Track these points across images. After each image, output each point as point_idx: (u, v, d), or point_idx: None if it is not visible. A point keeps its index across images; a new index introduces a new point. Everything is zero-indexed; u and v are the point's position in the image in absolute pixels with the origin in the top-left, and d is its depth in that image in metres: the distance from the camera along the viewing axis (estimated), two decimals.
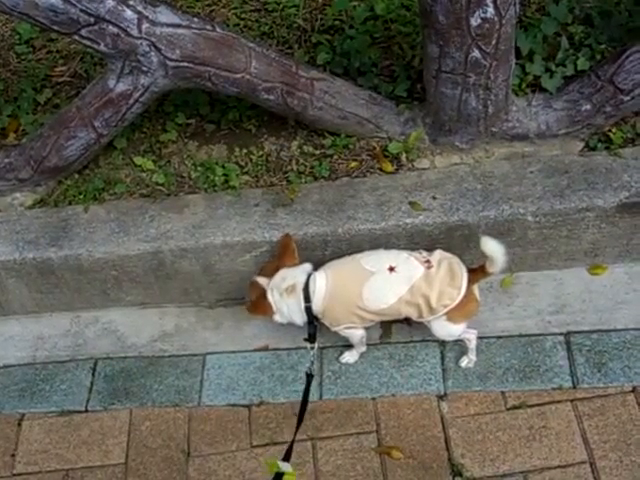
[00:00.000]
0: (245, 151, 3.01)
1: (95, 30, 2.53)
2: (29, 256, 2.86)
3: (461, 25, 2.43)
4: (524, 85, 2.85)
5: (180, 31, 2.57)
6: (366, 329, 2.67)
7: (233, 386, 2.83)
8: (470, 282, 2.45)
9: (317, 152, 2.94)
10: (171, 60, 2.61)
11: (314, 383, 2.71)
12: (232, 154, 3.01)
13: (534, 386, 2.65)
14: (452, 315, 2.47)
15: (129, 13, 2.52)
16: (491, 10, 2.39)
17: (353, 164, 2.89)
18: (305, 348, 2.73)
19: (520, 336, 2.76)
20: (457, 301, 2.42)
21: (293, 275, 2.57)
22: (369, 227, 2.70)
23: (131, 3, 2.51)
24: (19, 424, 2.86)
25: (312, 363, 2.61)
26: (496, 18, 2.41)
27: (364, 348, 2.77)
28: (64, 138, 2.85)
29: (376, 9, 3.18)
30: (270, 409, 2.76)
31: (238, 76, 2.68)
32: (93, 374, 2.95)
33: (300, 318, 2.59)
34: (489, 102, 2.69)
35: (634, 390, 2.60)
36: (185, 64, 2.62)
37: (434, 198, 2.74)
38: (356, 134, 2.93)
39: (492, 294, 2.85)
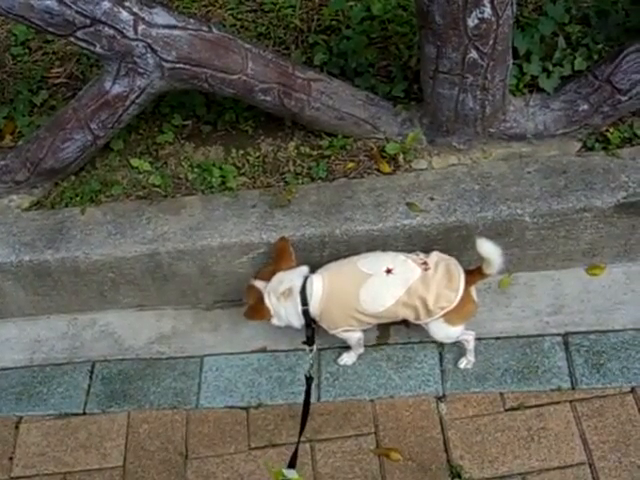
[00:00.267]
0: (242, 152, 3.00)
1: (91, 32, 2.52)
2: (26, 258, 2.85)
3: (458, 25, 2.43)
4: (521, 85, 2.85)
5: (176, 32, 2.57)
6: (363, 331, 2.66)
7: (231, 388, 2.82)
8: (467, 284, 2.44)
9: (314, 153, 2.93)
10: (167, 62, 2.60)
11: (312, 385, 2.70)
12: (229, 155, 3.00)
13: (533, 387, 2.64)
14: (450, 317, 2.47)
15: (125, 15, 2.51)
16: (488, 10, 2.38)
17: (350, 165, 2.88)
18: (303, 349, 2.72)
19: (518, 337, 2.76)
20: (454, 303, 2.42)
21: (290, 278, 2.56)
22: (367, 228, 2.69)
23: (127, 4, 2.51)
24: (16, 427, 2.85)
25: (311, 366, 2.60)
26: (493, 18, 2.40)
27: (362, 350, 2.77)
28: (60, 140, 2.84)
29: (373, 9, 3.17)
30: (268, 411, 2.75)
31: (235, 77, 2.67)
32: (91, 377, 2.94)
33: (298, 321, 2.58)
34: (486, 102, 2.68)
35: (633, 391, 2.59)
36: (181, 65, 2.62)
37: (432, 199, 2.73)
38: (353, 135, 2.92)
39: (490, 295, 2.85)
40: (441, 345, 2.75)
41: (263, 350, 2.90)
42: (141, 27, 2.53)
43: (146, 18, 2.53)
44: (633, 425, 2.52)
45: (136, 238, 2.81)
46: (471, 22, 2.41)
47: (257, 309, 2.58)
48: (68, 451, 2.76)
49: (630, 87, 2.67)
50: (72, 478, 2.70)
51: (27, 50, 3.55)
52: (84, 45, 2.58)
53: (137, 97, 2.70)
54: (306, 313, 2.54)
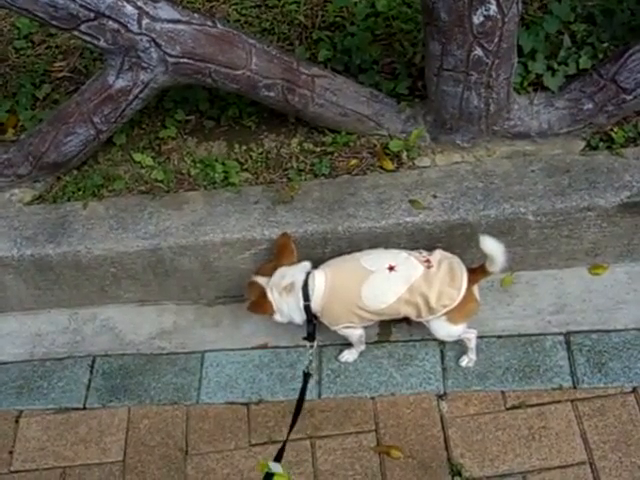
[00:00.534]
0: (245, 148, 2.99)
1: (95, 26, 2.52)
2: (27, 252, 2.85)
3: (463, 23, 2.42)
4: (526, 83, 2.84)
5: (180, 27, 2.56)
6: (365, 328, 2.66)
7: (232, 384, 2.82)
8: (470, 282, 2.44)
9: (317, 149, 2.93)
10: (171, 56, 2.59)
11: (313, 382, 2.72)
12: (232, 151, 3.00)
13: (534, 386, 2.64)
14: (452, 315, 2.46)
15: (129, 8, 2.50)
16: (494, 8, 2.37)
17: (353, 162, 2.88)
18: (304, 346, 2.71)
19: (520, 336, 2.75)
20: (457, 301, 2.41)
21: (292, 273, 2.56)
22: (369, 225, 2.69)
23: None
24: (16, 421, 2.85)
25: (310, 362, 2.60)
26: (499, 16, 2.39)
27: (363, 347, 2.76)
28: (63, 134, 2.84)
29: (377, 6, 3.16)
30: (269, 407, 2.75)
31: (238, 73, 2.67)
32: (91, 371, 2.94)
33: (299, 317, 2.58)
34: (491, 100, 2.67)
35: (634, 390, 2.59)
36: (185, 60, 2.61)
37: (435, 197, 2.72)
38: (357, 131, 2.91)
39: (492, 293, 2.84)
40: (442, 343, 2.75)
41: (264, 346, 2.89)
42: (145, 21, 2.53)
43: (150, 12, 2.53)
44: (634, 425, 2.52)
45: (138, 233, 2.81)
46: (476, 19, 2.40)
47: (260, 303, 2.57)
48: (68, 445, 2.76)
49: (635, 86, 2.66)
50: (72, 472, 2.70)
51: (30, 44, 3.55)
52: (88, 39, 2.57)
53: (140, 92, 2.70)
54: (308, 309, 2.53)
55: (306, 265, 2.60)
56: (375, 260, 2.51)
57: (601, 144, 2.78)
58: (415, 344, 2.79)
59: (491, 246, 2.33)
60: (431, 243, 2.69)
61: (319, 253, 2.75)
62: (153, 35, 2.55)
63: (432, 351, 2.77)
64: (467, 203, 2.68)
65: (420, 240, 2.71)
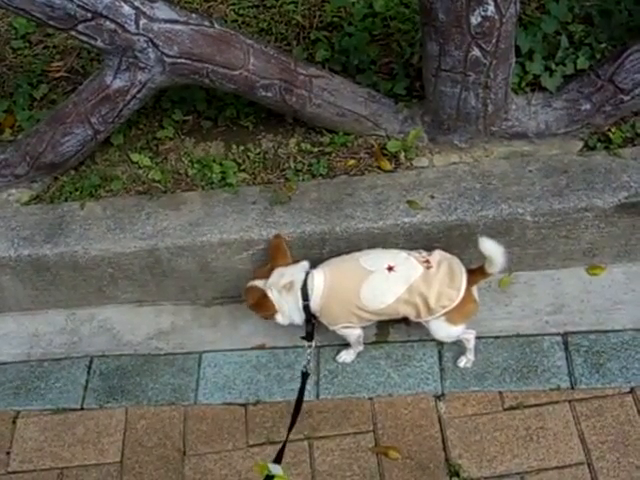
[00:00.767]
0: (242, 148, 2.99)
1: (92, 26, 2.51)
2: (24, 253, 2.84)
3: (461, 23, 2.42)
4: (524, 84, 2.84)
5: (178, 27, 2.56)
6: (363, 328, 2.66)
7: (229, 385, 2.81)
8: (469, 283, 2.44)
9: (315, 150, 2.92)
10: (169, 56, 2.59)
11: (311, 382, 2.71)
12: (229, 151, 2.99)
13: (532, 386, 2.64)
14: (451, 316, 2.46)
15: (127, 9, 2.50)
16: (492, 8, 2.37)
17: (351, 162, 2.87)
18: (302, 347, 2.72)
19: (518, 336, 2.75)
20: (456, 302, 2.41)
21: (291, 272, 2.56)
22: (367, 226, 2.68)
23: None
24: (14, 422, 2.85)
25: (308, 362, 2.60)
26: (497, 16, 2.40)
27: (361, 347, 2.76)
28: (60, 134, 2.83)
29: (375, 6, 3.16)
30: (267, 408, 2.74)
31: (236, 73, 2.66)
32: (88, 372, 2.93)
33: (299, 316, 2.58)
34: (488, 101, 2.67)
35: (632, 391, 2.59)
36: (183, 60, 2.61)
37: (432, 197, 2.72)
38: (354, 132, 2.91)
39: (490, 294, 2.84)
40: (440, 343, 2.74)
41: (262, 347, 2.89)
42: (143, 21, 2.52)
43: (148, 12, 2.53)
44: (632, 425, 2.52)
45: (135, 233, 2.80)
46: (474, 20, 2.41)
47: (261, 303, 2.57)
48: (65, 446, 2.76)
49: (633, 87, 2.66)
50: (69, 473, 2.69)
51: (27, 43, 3.54)
52: (85, 39, 2.57)
53: (138, 92, 2.69)
54: (306, 308, 2.53)
55: (304, 264, 2.61)
56: (374, 260, 2.51)
57: (599, 144, 2.78)
58: (413, 345, 2.79)
59: (490, 248, 2.33)
60: (429, 244, 2.69)
61: (317, 254, 2.75)
62: (150, 35, 2.54)
63: (430, 352, 2.77)
64: (465, 204, 2.68)
65: (418, 241, 2.70)
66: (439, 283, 2.41)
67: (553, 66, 2.82)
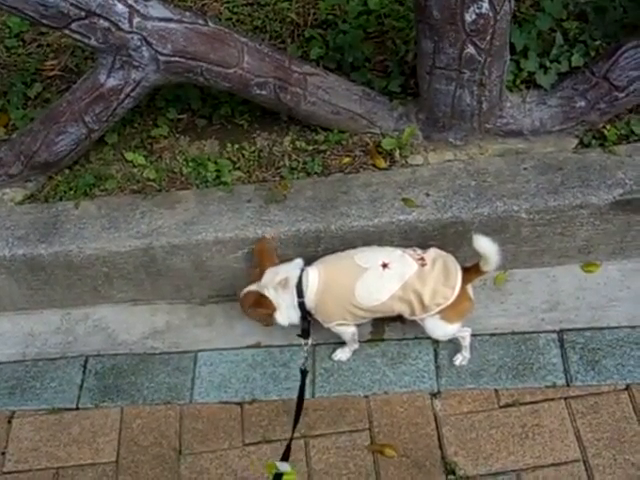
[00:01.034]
0: (237, 146, 2.98)
1: (86, 24, 2.51)
2: (19, 252, 2.83)
3: (456, 21, 2.42)
4: (518, 81, 2.84)
5: (172, 25, 2.55)
6: (357, 326, 2.66)
7: (225, 383, 2.81)
8: (464, 281, 2.44)
9: (310, 148, 2.92)
10: (163, 55, 2.58)
11: (306, 380, 2.69)
12: (224, 149, 2.99)
13: (527, 384, 2.64)
14: (446, 314, 2.46)
15: (120, 7, 2.49)
16: (486, 5, 2.37)
17: (346, 160, 2.87)
18: (298, 345, 2.73)
19: (513, 333, 2.76)
20: (451, 300, 2.41)
21: (285, 270, 2.56)
22: (362, 224, 2.68)
23: None
24: (9, 422, 2.84)
25: (306, 359, 2.59)
26: (491, 14, 2.39)
27: (356, 345, 2.76)
28: (54, 133, 2.82)
29: (369, 3, 3.16)
30: (262, 407, 2.74)
31: (230, 71, 2.66)
32: (84, 371, 2.93)
33: (295, 313, 2.57)
34: (483, 98, 2.67)
35: (627, 388, 2.59)
36: (177, 59, 2.60)
37: (427, 195, 2.72)
38: (349, 130, 2.91)
39: (485, 291, 2.84)
40: (436, 341, 2.74)
41: (257, 345, 2.89)
42: (136, 20, 2.52)
43: (141, 11, 2.52)
44: (628, 422, 2.52)
45: (130, 232, 2.80)
46: (469, 17, 2.40)
47: (260, 302, 2.55)
48: (61, 446, 2.75)
49: (627, 84, 2.66)
50: (65, 473, 2.69)
51: (21, 42, 3.53)
52: (79, 37, 2.56)
53: (132, 90, 2.68)
54: (302, 305, 2.53)
55: (299, 262, 2.61)
56: (369, 257, 2.50)
57: (594, 142, 2.78)
58: (408, 342, 2.79)
59: (485, 245, 2.32)
60: (424, 241, 2.69)
61: (312, 252, 2.74)
62: (144, 34, 2.53)
63: (425, 349, 2.77)
64: (460, 201, 2.68)
65: (413, 238, 2.70)
66: (434, 281, 2.41)
67: (548, 63, 2.82)
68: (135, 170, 2.98)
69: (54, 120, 2.80)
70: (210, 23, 2.61)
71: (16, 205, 2.99)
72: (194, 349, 2.93)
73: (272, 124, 3.03)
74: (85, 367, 2.94)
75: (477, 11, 2.38)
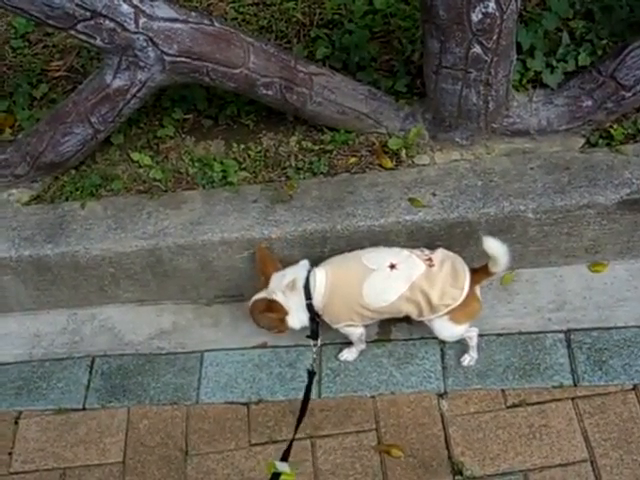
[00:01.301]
0: (243, 147, 2.98)
1: (91, 25, 2.50)
2: (25, 253, 2.84)
3: (462, 20, 2.41)
4: (525, 81, 2.83)
5: (177, 26, 2.55)
6: (365, 327, 2.65)
7: (231, 384, 2.81)
8: (473, 283, 2.44)
9: (316, 148, 2.91)
10: (168, 55, 2.58)
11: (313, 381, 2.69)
12: (230, 150, 2.99)
13: (534, 384, 2.63)
14: (455, 316, 2.46)
15: (126, 7, 2.49)
16: (492, 5, 2.36)
17: (352, 160, 2.87)
18: (304, 346, 2.74)
19: (520, 334, 2.75)
20: (459, 301, 2.41)
21: (292, 272, 2.56)
22: (368, 224, 2.68)
23: None
24: (16, 422, 2.84)
25: (314, 360, 2.59)
26: (497, 13, 2.38)
27: (363, 346, 2.75)
28: (60, 134, 2.83)
29: (375, 3, 3.15)
30: (269, 407, 2.74)
31: (236, 71, 2.65)
32: (90, 372, 2.93)
33: (304, 315, 2.56)
34: (490, 98, 2.66)
35: (635, 388, 2.58)
36: (183, 59, 2.60)
37: (434, 195, 2.71)
38: (355, 130, 2.90)
39: (492, 291, 2.84)
40: (443, 342, 2.73)
41: (264, 346, 2.89)
42: (142, 20, 2.51)
43: (147, 11, 2.52)
44: (635, 422, 2.51)
45: (136, 233, 2.80)
46: (475, 17, 2.40)
47: (271, 307, 2.54)
48: (67, 446, 2.75)
49: (634, 83, 2.65)
50: (72, 474, 2.69)
51: (27, 43, 3.53)
52: (84, 38, 2.56)
53: (138, 91, 2.68)
54: (310, 307, 2.53)
55: (305, 263, 2.60)
56: (376, 258, 2.50)
57: (600, 141, 2.78)
58: (415, 343, 2.79)
59: (494, 247, 2.32)
60: (430, 241, 2.68)
61: (318, 252, 2.74)
62: (150, 34, 2.53)
63: (432, 350, 2.76)
64: (466, 201, 2.67)
65: (419, 238, 2.70)
66: (442, 282, 2.41)
67: (554, 63, 2.81)
68: (141, 170, 2.98)
69: (60, 121, 2.81)
70: (216, 23, 2.61)
71: (22, 206, 2.99)
72: (200, 349, 2.92)
73: (278, 124, 3.02)
74: (92, 367, 2.94)
75: (483, 10, 2.38)
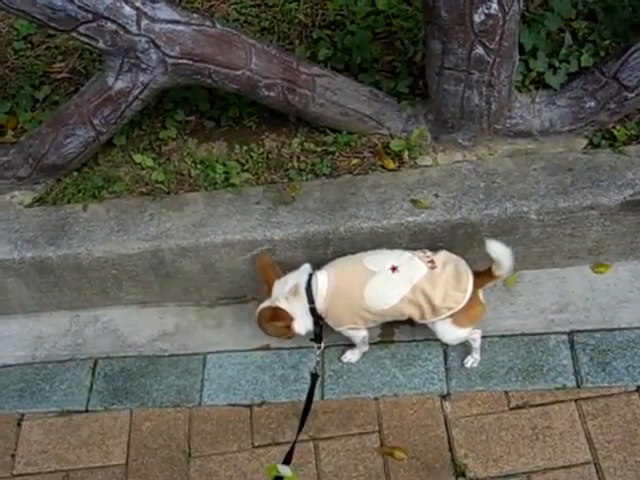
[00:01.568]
0: (245, 148, 2.98)
1: (93, 27, 2.51)
2: (28, 255, 2.84)
3: (464, 21, 2.41)
4: (527, 82, 2.82)
5: (179, 27, 2.55)
6: (368, 329, 2.65)
7: (234, 386, 2.81)
8: (476, 286, 2.43)
9: (318, 149, 2.91)
10: (170, 57, 2.58)
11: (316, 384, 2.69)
12: (232, 151, 2.99)
13: (537, 386, 2.63)
14: (457, 319, 2.46)
15: (128, 10, 2.49)
16: (495, 6, 2.36)
17: (355, 161, 2.86)
18: (307, 348, 2.74)
19: (523, 335, 2.74)
20: (462, 304, 2.40)
21: (294, 277, 2.56)
22: (371, 225, 2.67)
23: None
24: (19, 424, 2.84)
25: (317, 363, 2.59)
26: (500, 14, 2.38)
27: (366, 348, 2.75)
28: (63, 136, 2.83)
29: (377, 4, 3.15)
30: (271, 409, 2.74)
31: (238, 73, 2.65)
32: (93, 374, 2.93)
33: (308, 319, 2.56)
34: (492, 99, 2.66)
35: (638, 390, 2.58)
36: (185, 61, 2.60)
37: (436, 196, 2.71)
38: (358, 131, 2.90)
39: (495, 293, 2.83)
40: (445, 343, 2.73)
41: (266, 348, 2.88)
42: (144, 22, 2.52)
43: (149, 13, 2.52)
44: (639, 424, 2.51)
45: (139, 235, 2.80)
46: (477, 18, 2.39)
47: (277, 315, 2.53)
48: (70, 449, 2.75)
49: (637, 84, 2.65)
50: (74, 476, 2.69)
51: (29, 45, 3.53)
52: (86, 40, 2.56)
53: (140, 93, 2.68)
54: (313, 310, 2.52)
55: (306, 267, 2.60)
56: (378, 261, 2.49)
57: (603, 142, 2.77)
58: (418, 344, 2.78)
59: (498, 250, 2.32)
60: (433, 243, 2.68)
61: (321, 254, 2.74)
62: (152, 36, 2.53)
63: (435, 351, 2.76)
64: (469, 202, 2.67)
65: (422, 240, 2.69)
66: (444, 284, 2.40)
67: (557, 63, 2.81)
68: (143, 172, 2.98)
69: (62, 123, 2.81)
70: (218, 25, 2.61)
71: (25, 208, 2.99)
72: (203, 351, 2.92)
73: (280, 126, 3.02)
74: (94, 369, 2.94)
75: (486, 12, 2.37)
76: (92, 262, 2.83)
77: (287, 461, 2.36)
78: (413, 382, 2.71)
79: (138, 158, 3.00)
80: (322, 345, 2.61)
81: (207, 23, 2.59)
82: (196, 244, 2.76)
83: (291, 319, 2.54)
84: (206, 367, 2.88)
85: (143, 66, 2.60)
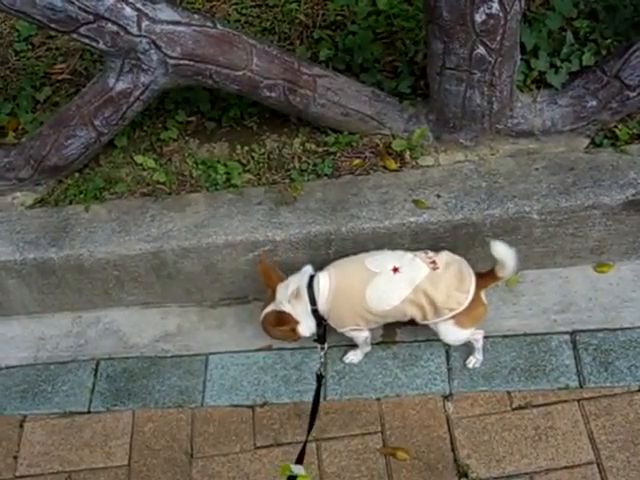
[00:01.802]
0: (247, 149, 2.98)
1: (94, 28, 2.51)
2: (30, 256, 2.84)
3: (466, 21, 2.40)
4: (529, 81, 2.82)
5: (180, 28, 2.55)
6: (371, 330, 2.64)
7: (236, 386, 2.81)
8: (479, 287, 2.43)
9: (320, 150, 2.91)
10: (171, 58, 2.58)
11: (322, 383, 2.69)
12: (234, 152, 2.98)
13: (540, 386, 2.62)
14: (460, 320, 2.45)
15: (128, 11, 2.49)
16: (496, 6, 2.36)
17: (356, 162, 2.86)
18: (309, 348, 2.74)
19: (526, 335, 2.74)
20: (464, 305, 2.40)
21: (295, 280, 2.55)
22: (373, 226, 2.67)
23: (130, 0, 2.49)
24: (21, 425, 2.84)
25: (322, 364, 2.59)
26: (501, 14, 2.38)
27: (368, 348, 2.75)
28: (64, 137, 2.83)
29: (378, 4, 3.15)
30: (274, 410, 2.74)
31: (239, 73, 2.65)
32: (95, 375, 2.93)
33: (311, 321, 2.56)
34: (494, 99, 2.66)
35: None
36: (185, 62, 2.60)
37: (438, 196, 2.71)
38: (359, 131, 2.90)
39: (497, 293, 2.82)
40: (448, 344, 2.73)
41: (269, 348, 2.88)
42: (145, 23, 2.52)
43: (150, 14, 2.52)
44: None
45: (140, 236, 2.80)
46: (479, 17, 2.39)
47: (282, 319, 2.53)
48: (73, 450, 2.75)
49: (639, 83, 2.64)
50: (77, 477, 2.69)
51: (30, 46, 3.54)
52: (87, 41, 2.56)
53: (141, 94, 2.68)
54: (315, 312, 2.52)
55: (307, 269, 2.59)
56: (380, 262, 2.49)
57: (605, 141, 2.77)
58: (420, 345, 2.78)
59: (502, 251, 2.32)
60: (435, 243, 2.68)
61: (323, 254, 2.74)
62: (153, 37, 2.53)
63: (437, 352, 2.75)
64: (471, 202, 2.67)
65: (424, 240, 2.69)
66: (446, 285, 2.40)
67: (558, 63, 2.80)
68: (145, 173, 2.98)
69: (63, 124, 2.81)
70: (218, 25, 2.61)
71: (26, 209, 3.00)
72: (205, 352, 2.92)
73: (282, 126, 3.02)
74: (96, 370, 2.94)
75: (487, 11, 2.37)
76: (94, 263, 2.83)
77: (300, 461, 2.35)
78: (415, 382, 2.70)
79: (139, 159, 3.00)
80: (326, 346, 2.60)
81: (208, 24, 2.59)
82: (198, 245, 2.76)
83: (296, 322, 2.53)
84: (208, 368, 2.87)
85: (144, 67, 2.60)
